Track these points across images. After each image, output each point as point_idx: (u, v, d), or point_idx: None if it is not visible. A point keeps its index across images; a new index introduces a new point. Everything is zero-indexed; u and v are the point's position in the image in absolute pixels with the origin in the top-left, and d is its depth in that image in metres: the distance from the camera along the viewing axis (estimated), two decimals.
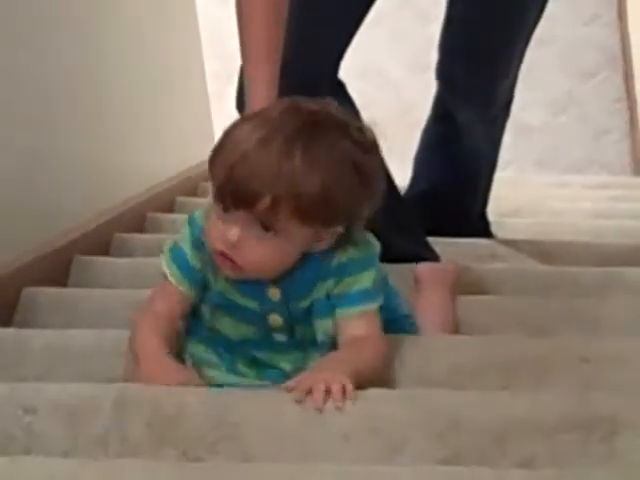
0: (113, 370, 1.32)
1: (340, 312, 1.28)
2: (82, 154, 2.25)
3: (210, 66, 3.64)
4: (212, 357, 1.33)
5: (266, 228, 1.18)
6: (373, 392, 1.18)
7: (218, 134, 1.25)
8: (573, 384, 1.30)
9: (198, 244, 1.29)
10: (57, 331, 1.51)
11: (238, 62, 1.63)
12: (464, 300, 1.66)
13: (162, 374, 1.21)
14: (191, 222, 1.31)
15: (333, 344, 1.30)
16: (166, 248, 1.33)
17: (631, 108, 3.56)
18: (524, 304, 1.66)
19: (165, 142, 2.94)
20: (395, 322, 1.42)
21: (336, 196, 1.18)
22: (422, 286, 1.68)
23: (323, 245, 1.25)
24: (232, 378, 1.29)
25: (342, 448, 1.11)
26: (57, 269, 1.96)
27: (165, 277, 1.32)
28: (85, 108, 2.29)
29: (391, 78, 3.99)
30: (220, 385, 1.26)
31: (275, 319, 1.29)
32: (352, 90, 1.95)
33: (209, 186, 1.27)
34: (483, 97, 2.20)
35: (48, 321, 1.70)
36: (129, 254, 2.19)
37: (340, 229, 1.24)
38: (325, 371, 1.19)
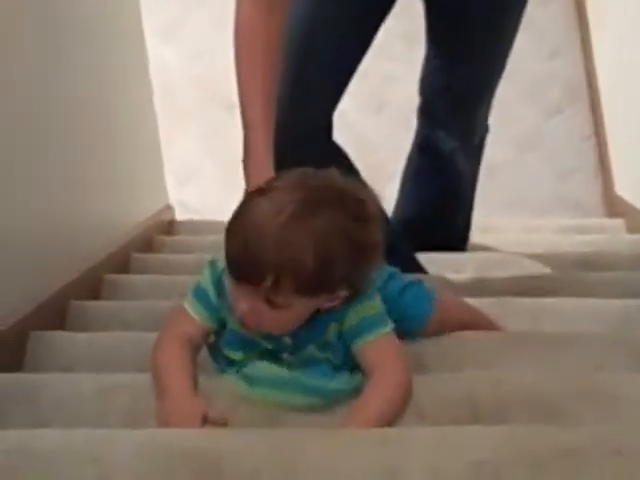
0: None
1: (355, 344, 1.40)
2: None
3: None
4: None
5: (269, 304, 1.29)
6: None
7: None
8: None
9: (219, 285, 1.40)
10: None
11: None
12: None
13: (181, 419, 1.30)
14: (212, 264, 1.42)
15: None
16: (189, 291, 1.44)
17: (600, 145, 3.45)
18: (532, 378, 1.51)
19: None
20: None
21: (333, 270, 1.28)
22: None
23: (331, 305, 1.36)
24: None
25: None
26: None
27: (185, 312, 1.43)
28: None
29: (349, 120, 3.87)
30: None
31: (286, 357, 1.41)
32: None
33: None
34: (466, 128, 2.35)
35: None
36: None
37: (344, 292, 1.34)
38: (357, 420, 1.31)
